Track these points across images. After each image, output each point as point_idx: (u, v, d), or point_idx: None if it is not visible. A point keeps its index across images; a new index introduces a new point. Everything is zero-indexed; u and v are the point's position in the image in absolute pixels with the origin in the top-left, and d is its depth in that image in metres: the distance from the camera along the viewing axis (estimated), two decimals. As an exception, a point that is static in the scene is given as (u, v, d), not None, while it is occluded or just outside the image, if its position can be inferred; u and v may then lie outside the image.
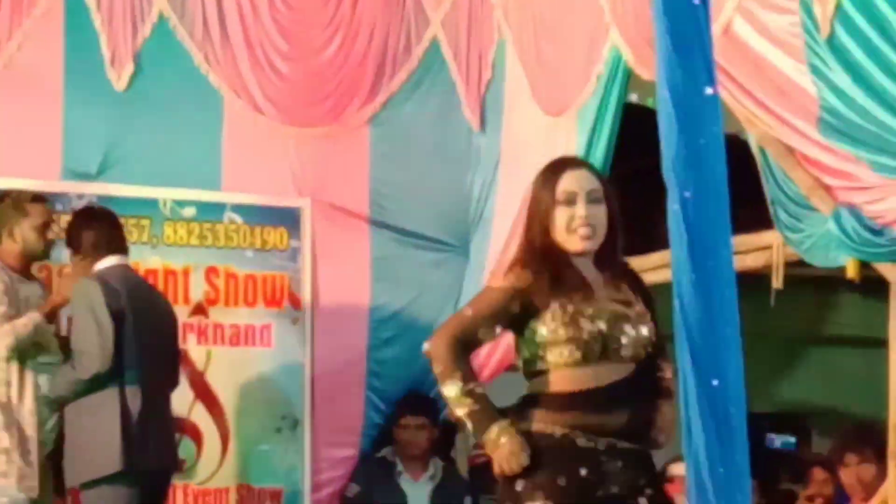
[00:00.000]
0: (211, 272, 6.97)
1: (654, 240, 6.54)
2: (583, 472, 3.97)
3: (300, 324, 7.09)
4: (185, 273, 6.89)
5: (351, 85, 7.23)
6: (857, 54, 5.35)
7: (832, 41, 5.43)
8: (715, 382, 2.21)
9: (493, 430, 3.95)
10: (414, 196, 7.32)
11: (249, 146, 7.06)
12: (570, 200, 4.07)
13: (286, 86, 7.12)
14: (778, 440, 8.72)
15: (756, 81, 5.75)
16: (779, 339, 8.35)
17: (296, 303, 7.10)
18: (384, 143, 7.30)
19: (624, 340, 4.04)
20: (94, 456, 5.90)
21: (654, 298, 4.25)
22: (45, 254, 6.24)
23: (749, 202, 5.62)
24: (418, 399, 7.23)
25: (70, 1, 6.81)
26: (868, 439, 5.93)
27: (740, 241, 5.95)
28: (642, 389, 4.04)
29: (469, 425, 4.02)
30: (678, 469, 6.34)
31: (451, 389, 4.00)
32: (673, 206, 2.26)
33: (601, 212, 4.10)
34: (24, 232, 6.13)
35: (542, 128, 6.94)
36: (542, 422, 4.00)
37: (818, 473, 7.18)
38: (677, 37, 2.23)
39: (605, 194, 4.13)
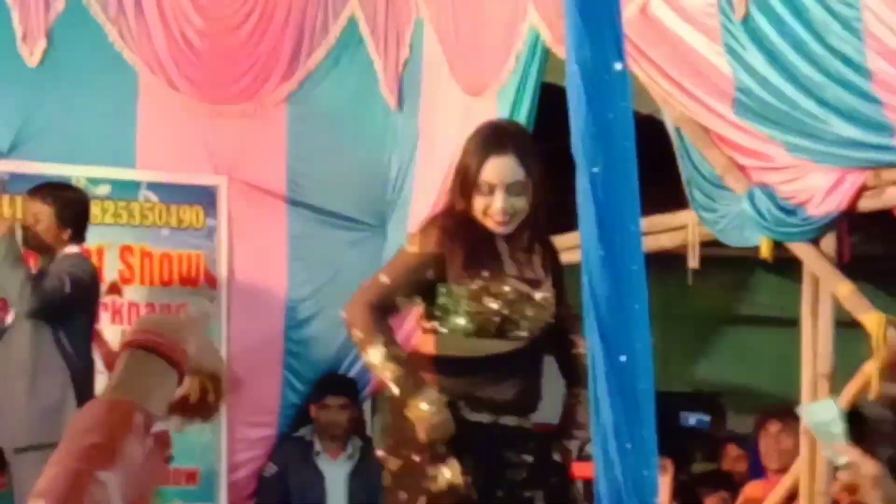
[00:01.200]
0: (126, 251, 6.90)
1: (571, 220, 6.56)
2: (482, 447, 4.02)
3: (216, 303, 7.04)
4: (100, 252, 6.82)
5: (268, 62, 7.18)
6: (772, 35, 5.39)
7: (747, 22, 5.47)
8: (623, 358, 2.21)
9: (420, 397, 3.95)
10: (331, 175, 7.29)
11: (165, 123, 6.99)
12: (489, 191, 4.08)
13: (202, 63, 7.06)
14: (692, 418, 8.79)
15: (672, 62, 5.78)
16: (694, 318, 8.42)
17: (212, 282, 7.05)
18: (301, 122, 7.26)
19: (523, 323, 4.10)
20: (32, 423, 5.93)
21: (563, 275, 4.28)
22: None
23: (664, 182, 5.65)
24: (339, 379, 7.21)
25: (-20, -24, 6.72)
26: (791, 412, 5.99)
27: (655, 220, 5.99)
28: (533, 364, 4.12)
29: (395, 390, 4.01)
30: None
31: (374, 355, 4.00)
32: (581, 182, 2.26)
33: (521, 202, 4.10)
34: None
35: (460, 107, 6.93)
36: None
37: (732, 450, 7.24)
38: (586, 12, 2.23)
39: (529, 183, 4.11)
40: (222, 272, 7.07)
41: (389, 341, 4.00)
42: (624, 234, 2.21)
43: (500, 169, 4.09)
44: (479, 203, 4.09)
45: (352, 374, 7.29)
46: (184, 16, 7.01)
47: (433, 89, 7.20)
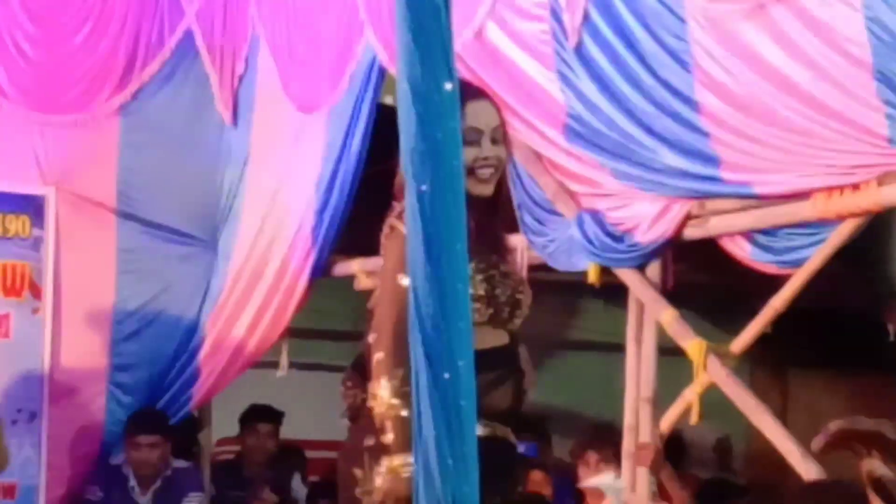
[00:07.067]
0: (-53, 259, 6.77)
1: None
2: None
3: (41, 314, 6.93)
4: (-80, 259, 6.67)
5: (101, 72, 7.10)
6: (603, 63, 5.48)
7: (580, 50, 5.56)
8: (446, 375, 2.24)
9: (401, 459, 3.52)
10: (163, 188, 7.23)
11: (-7, 131, 6.88)
12: (475, 140, 3.66)
13: (33, 70, 6.96)
14: (521, 446, 8.81)
15: (506, 87, 5.84)
16: (522, 342, 8.48)
17: (37, 293, 6.94)
18: (134, 134, 7.19)
19: (524, 307, 3.79)
20: None
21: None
22: None
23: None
24: (150, 417, 7.06)
25: None
26: (608, 439, 6.07)
27: (486, 243, 6.04)
28: (515, 364, 3.75)
29: (390, 435, 3.57)
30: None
31: (385, 387, 3.55)
32: (410, 200, 2.28)
33: (502, 152, 3.75)
34: None
35: (293, 125, 6.93)
36: None
37: (535, 475, 7.27)
38: (418, 32, 2.25)
39: (504, 132, 3.78)
40: (48, 284, 6.95)
41: (405, 379, 3.42)
42: (450, 253, 2.24)
43: (483, 112, 3.71)
44: (466, 156, 3.45)
45: (179, 385, 7.22)
46: (15, 21, 6.90)
47: (267, 106, 7.17)
